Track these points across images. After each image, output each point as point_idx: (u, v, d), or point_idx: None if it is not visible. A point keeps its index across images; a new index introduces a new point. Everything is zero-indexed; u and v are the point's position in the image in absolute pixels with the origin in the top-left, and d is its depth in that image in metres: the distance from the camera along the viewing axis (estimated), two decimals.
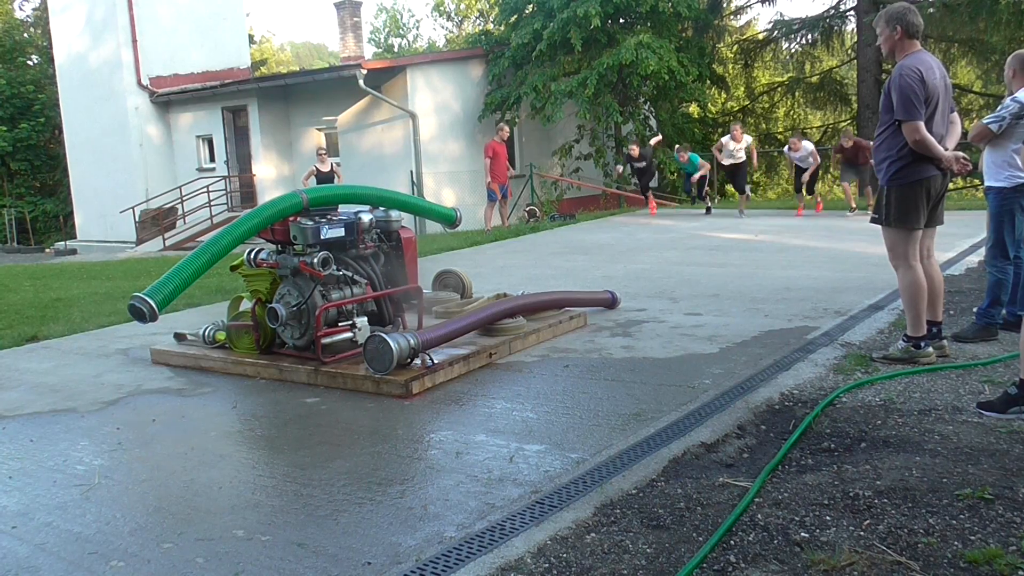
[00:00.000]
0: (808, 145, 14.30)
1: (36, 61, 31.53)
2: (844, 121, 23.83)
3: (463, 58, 21.08)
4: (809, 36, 22.98)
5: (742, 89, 26.37)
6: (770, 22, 38.15)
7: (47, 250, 25.43)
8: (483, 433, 3.96)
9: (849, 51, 23.35)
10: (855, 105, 22.49)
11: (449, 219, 6.70)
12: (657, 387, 4.53)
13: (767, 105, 25.42)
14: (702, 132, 24.04)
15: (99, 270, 15.07)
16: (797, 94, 24.21)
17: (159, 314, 4.81)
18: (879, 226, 4.78)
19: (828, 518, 2.84)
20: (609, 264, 9.29)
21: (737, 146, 14.50)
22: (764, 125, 25.63)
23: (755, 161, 15.34)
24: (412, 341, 4.79)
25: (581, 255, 8.42)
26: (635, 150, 15.94)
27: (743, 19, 27.38)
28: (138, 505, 3.41)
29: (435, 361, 4.89)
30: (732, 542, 2.72)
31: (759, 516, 2.89)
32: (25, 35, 32.42)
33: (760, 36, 24.64)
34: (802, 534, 2.74)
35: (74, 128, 24.28)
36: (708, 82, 21.99)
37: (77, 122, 24.10)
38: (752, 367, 4.81)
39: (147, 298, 4.75)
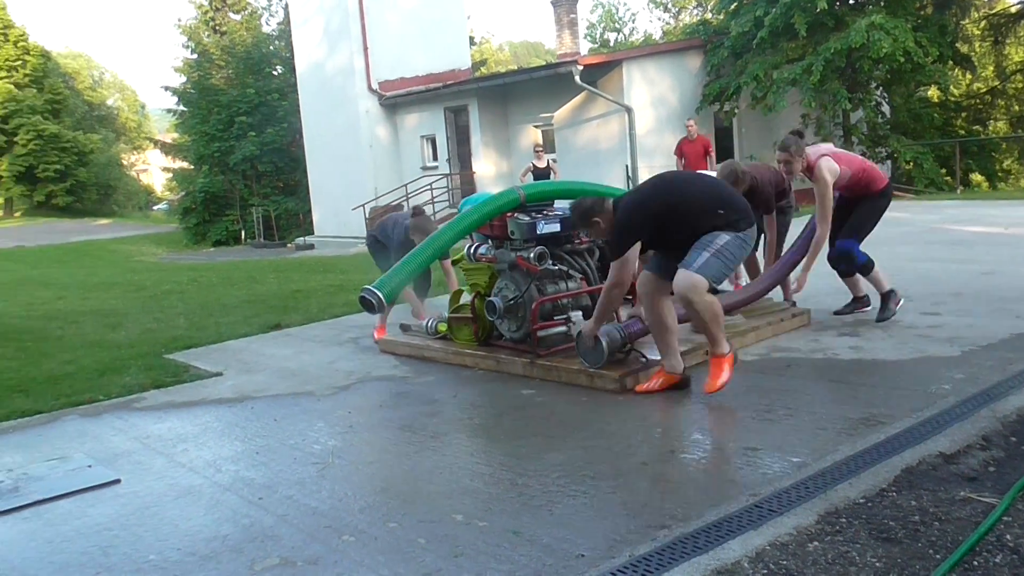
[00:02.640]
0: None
1: (280, 71, 34.25)
2: None
3: (680, 50, 20.71)
4: None
5: (991, 68, 24.12)
6: None
7: (288, 245, 27.59)
8: (699, 432, 3.87)
9: None
10: None
11: None
12: (888, 391, 4.23)
13: (1021, 85, 23.09)
14: (942, 118, 22.21)
15: (333, 264, 16.16)
16: None
17: (386, 305, 5.07)
18: None
19: None
20: None
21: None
22: (1017, 107, 23.31)
23: None
24: (621, 333, 4.77)
25: None
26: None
27: None
28: (367, 485, 3.62)
29: (649, 358, 4.84)
30: (975, 563, 2.49)
31: (1008, 537, 2.63)
32: (271, 47, 35.30)
33: (1013, 9, 22.42)
34: None
35: (312, 131, 26.15)
36: (950, 63, 20.29)
37: (315, 126, 25.94)
38: (1000, 372, 4.38)
39: (376, 290, 5.01)
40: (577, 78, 18.02)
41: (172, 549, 3.08)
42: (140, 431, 4.68)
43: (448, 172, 23.00)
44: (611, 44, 40.60)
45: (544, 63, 33.66)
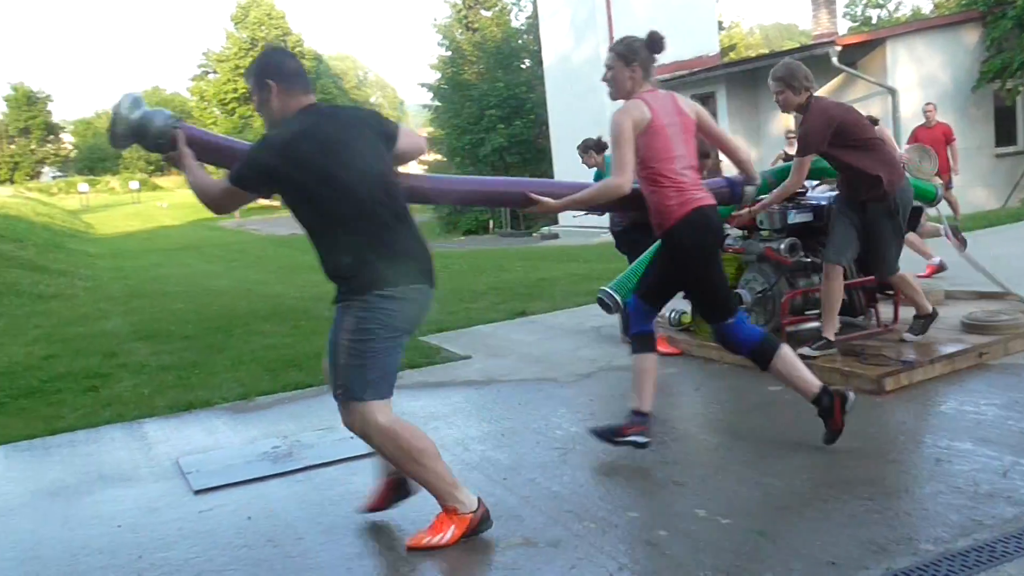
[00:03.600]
0: None
1: (528, 64, 35.15)
2: None
3: (954, 24, 18.99)
4: None
5: None
6: None
7: (534, 235, 28.32)
8: (969, 441, 3.53)
9: None
10: None
11: (929, 195, 5.99)
12: None
13: None
14: None
15: (577, 253, 16.38)
16: None
17: (623, 306, 4.95)
18: None
19: None
20: None
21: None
22: None
23: None
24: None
25: None
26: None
27: None
28: (607, 473, 3.63)
29: (911, 359, 4.49)
30: None
31: None
32: (519, 41, 36.31)
33: None
34: None
35: (558, 123, 26.65)
36: None
37: (560, 117, 26.42)
38: None
39: (612, 292, 4.92)
40: (834, 59, 17.03)
41: (423, 521, 3.25)
42: (396, 407, 4.92)
43: None
44: (873, 22, 38.00)
45: (798, 45, 32.13)
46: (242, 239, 30.55)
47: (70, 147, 74.62)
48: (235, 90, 51.64)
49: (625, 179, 3.59)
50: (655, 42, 3.68)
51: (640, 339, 3.75)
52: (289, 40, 52.89)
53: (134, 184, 58.76)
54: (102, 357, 7.11)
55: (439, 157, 38.66)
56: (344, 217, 2.85)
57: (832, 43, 17.47)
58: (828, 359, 4.65)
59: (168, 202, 52.53)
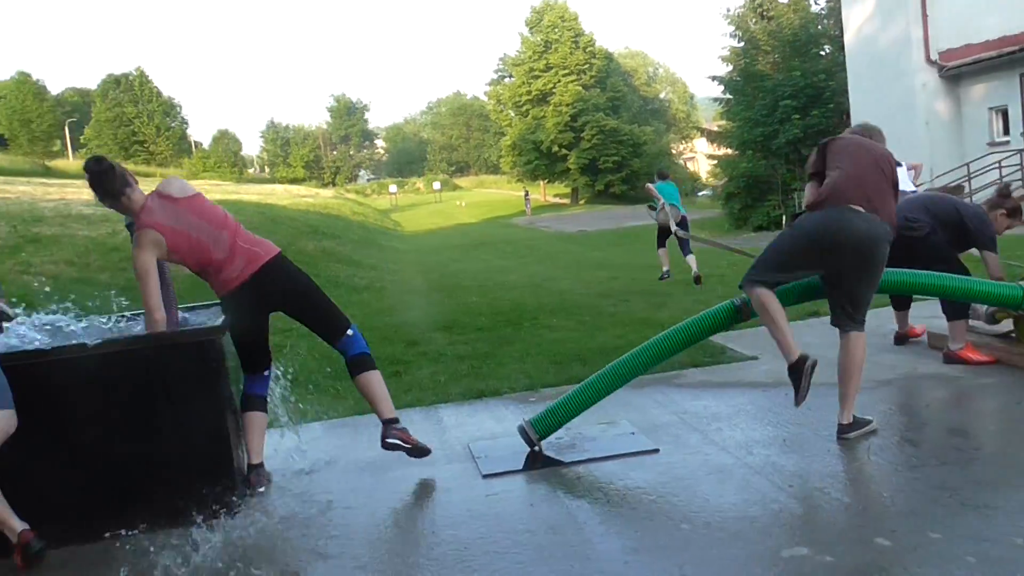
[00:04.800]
0: None
1: (827, 51, 33.31)
2: None
3: None
4: None
5: None
6: None
7: None
8: None
9: None
10: None
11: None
12: None
13: None
14: None
15: None
16: None
17: (538, 444, 4.32)
18: None
19: None
20: None
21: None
22: None
23: None
24: None
25: None
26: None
27: None
28: (906, 487, 3.36)
29: None
30: None
31: None
32: (819, 27, 34.51)
33: None
34: None
35: (861, 111, 24.97)
36: None
37: (864, 105, 24.75)
38: None
39: (530, 425, 4.27)
40: None
41: (702, 522, 3.19)
42: (678, 406, 4.93)
43: (1022, 148, 20.24)
44: None
45: None
46: (533, 236, 31.79)
47: (382, 151, 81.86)
48: (528, 92, 53.82)
49: (159, 318, 3.70)
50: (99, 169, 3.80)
51: (247, 399, 4.09)
52: (581, 41, 54.15)
53: (436, 185, 63.32)
54: (405, 345, 7.70)
55: (729, 151, 37.78)
56: None
57: None
58: None
59: (466, 201, 55.97)
